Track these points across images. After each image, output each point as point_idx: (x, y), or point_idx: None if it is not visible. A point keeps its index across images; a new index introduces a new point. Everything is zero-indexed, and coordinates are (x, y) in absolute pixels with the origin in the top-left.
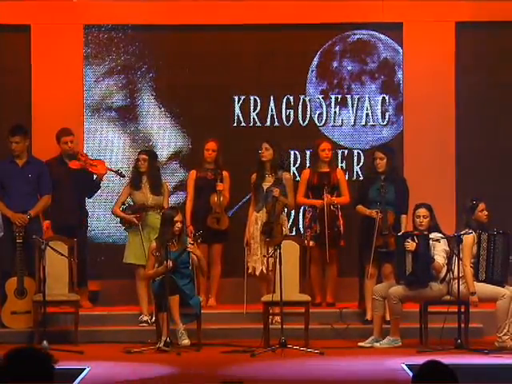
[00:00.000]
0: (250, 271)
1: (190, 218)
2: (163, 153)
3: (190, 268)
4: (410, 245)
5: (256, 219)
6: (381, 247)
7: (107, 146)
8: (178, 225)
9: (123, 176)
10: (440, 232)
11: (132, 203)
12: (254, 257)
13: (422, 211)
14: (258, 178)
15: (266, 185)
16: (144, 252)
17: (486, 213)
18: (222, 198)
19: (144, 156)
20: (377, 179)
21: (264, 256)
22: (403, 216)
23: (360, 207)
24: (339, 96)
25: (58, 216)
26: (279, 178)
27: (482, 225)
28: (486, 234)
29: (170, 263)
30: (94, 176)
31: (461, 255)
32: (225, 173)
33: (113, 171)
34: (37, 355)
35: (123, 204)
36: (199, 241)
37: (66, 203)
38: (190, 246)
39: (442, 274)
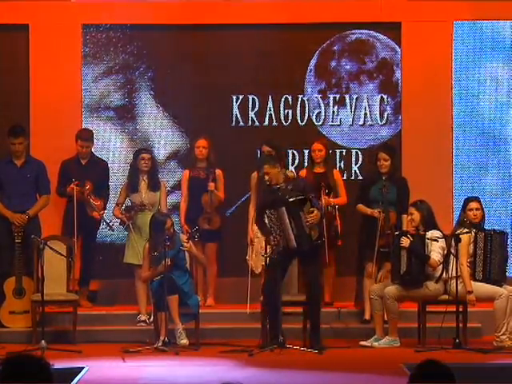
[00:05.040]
0: (253, 270)
1: (184, 218)
2: (161, 152)
3: (187, 265)
4: (405, 241)
5: None
6: (383, 247)
7: (105, 145)
8: (170, 230)
9: (112, 230)
10: (438, 229)
11: (129, 204)
12: (258, 255)
13: (411, 209)
14: (261, 177)
15: None
16: (139, 251)
17: (476, 212)
18: (213, 198)
19: (148, 155)
20: (378, 179)
21: (263, 255)
22: (404, 216)
23: (361, 206)
24: (337, 95)
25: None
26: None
27: (475, 224)
28: (482, 233)
29: (169, 262)
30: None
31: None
32: (218, 171)
33: (105, 222)
34: (35, 362)
35: (123, 205)
36: (196, 237)
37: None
38: (185, 245)
39: (438, 273)
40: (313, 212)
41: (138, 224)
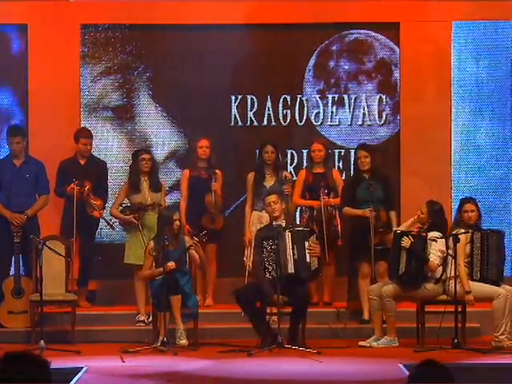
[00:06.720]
0: (249, 270)
1: (184, 218)
2: (160, 152)
3: (188, 266)
4: (406, 241)
5: (260, 218)
6: (378, 245)
7: (104, 145)
8: (177, 223)
9: (113, 228)
10: (441, 231)
11: (129, 204)
12: None
13: (423, 208)
14: (258, 178)
15: (268, 184)
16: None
17: (471, 214)
18: (216, 198)
19: (148, 155)
20: (363, 179)
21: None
22: (392, 212)
23: (348, 209)
24: (336, 96)
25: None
26: (283, 178)
27: (470, 225)
28: (479, 233)
29: (173, 264)
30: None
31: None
32: (218, 171)
33: (105, 221)
34: (35, 361)
35: (120, 205)
36: (204, 240)
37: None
38: (194, 245)
39: (438, 274)
40: (317, 244)
41: (147, 224)
